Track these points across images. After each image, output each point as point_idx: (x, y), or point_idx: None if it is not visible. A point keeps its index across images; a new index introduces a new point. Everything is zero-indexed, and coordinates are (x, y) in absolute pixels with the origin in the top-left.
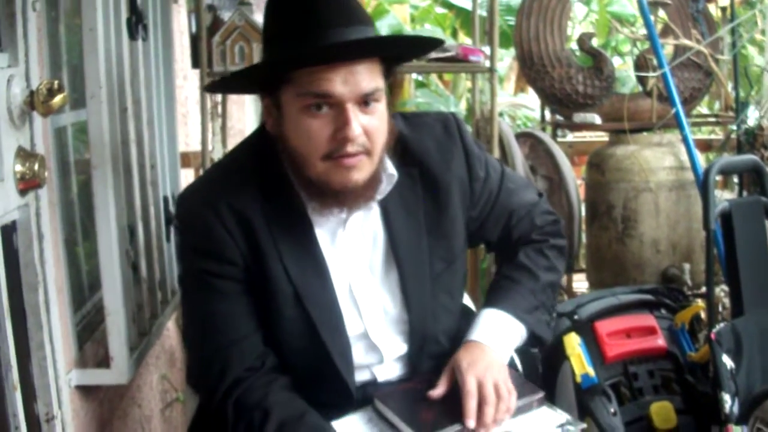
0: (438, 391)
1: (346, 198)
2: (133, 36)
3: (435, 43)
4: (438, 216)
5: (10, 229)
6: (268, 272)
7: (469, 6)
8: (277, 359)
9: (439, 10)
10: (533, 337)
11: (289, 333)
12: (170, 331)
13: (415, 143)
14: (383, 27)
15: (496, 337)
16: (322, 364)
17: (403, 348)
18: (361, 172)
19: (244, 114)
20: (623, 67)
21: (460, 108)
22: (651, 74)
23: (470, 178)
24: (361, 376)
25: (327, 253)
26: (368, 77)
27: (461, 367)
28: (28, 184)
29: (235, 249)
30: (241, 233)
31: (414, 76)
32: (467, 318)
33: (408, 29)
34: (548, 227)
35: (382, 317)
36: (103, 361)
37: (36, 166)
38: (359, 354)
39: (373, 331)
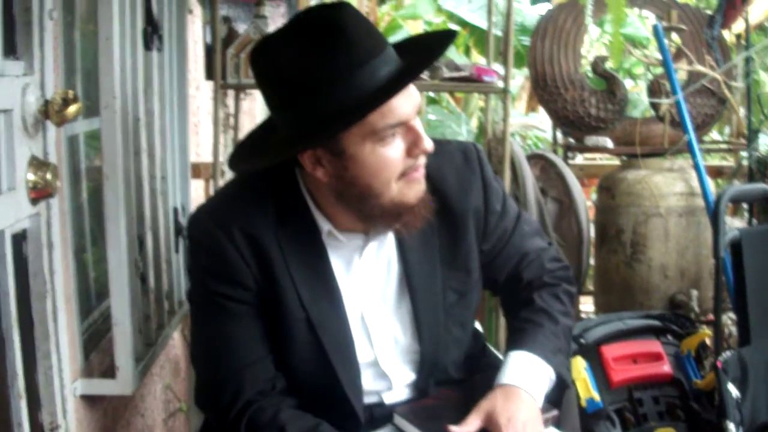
0: (466, 430)
1: (419, 209)
2: (148, 46)
3: (451, 36)
4: (453, 247)
5: (20, 238)
6: (280, 297)
7: (483, 24)
8: (287, 382)
9: (453, 27)
10: (558, 380)
11: (300, 358)
12: (175, 341)
13: (435, 172)
14: None
15: (529, 379)
16: (331, 389)
17: (411, 376)
18: (423, 180)
19: (255, 125)
20: (635, 90)
21: (471, 126)
22: (665, 101)
23: (486, 210)
24: (368, 399)
25: (341, 280)
26: (413, 88)
27: (499, 421)
28: (40, 194)
29: (248, 273)
30: (255, 257)
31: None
32: (476, 340)
33: None
34: (559, 272)
35: (393, 346)
36: (109, 371)
37: (48, 176)
38: (368, 380)
39: (384, 359)
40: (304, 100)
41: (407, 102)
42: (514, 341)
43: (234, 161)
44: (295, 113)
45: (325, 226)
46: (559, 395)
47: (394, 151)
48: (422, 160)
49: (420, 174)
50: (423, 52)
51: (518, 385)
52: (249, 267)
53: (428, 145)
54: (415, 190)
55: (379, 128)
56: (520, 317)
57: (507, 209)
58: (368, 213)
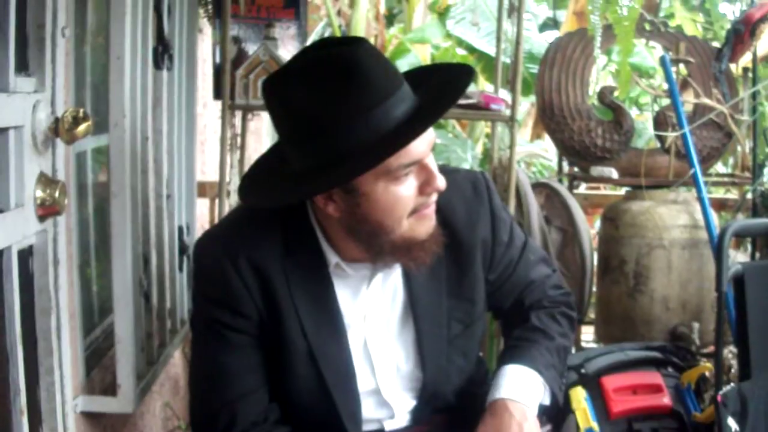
0: None
1: (429, 245)
2: (158, 65)
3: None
4: (460, 278)
5: (26, 254)
6: (282, 328)
7: (491, 51)
8: (281, 413)
9: (461, 52)
10: (551, 396)
11: (300, 389)
12: (175, 359)
13: (444, 203)
14: (404, 66)
15: (522, 391)
16: (330, 421)
17: (412, 403)
18: (434, 216)
19: (261, 145)
20: (640, 118)
21: (477, 151)
22: (671, 134)
23: (494, 241)
24: (369, 427)
25: (346, 308)
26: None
27: None
28: (47, 211)
29: (251, 303)
30: (259, 288)
31: None
32: (478, 367)
33: None
34: (560, 297)
35: (395, 374)
36: (110, 388)
37: (57, 193)
38: (369, 409)
39: (386, 387)
40: (319, 138)
41: (422, 142)
42: (506, 357)
43: (245, 193)
44: (309, 150)
45: (333, 259)
46: (552, 411)
47: (406, 189)
48: (434, 198)
49: (431, 210)
50: (440, 90)
51: (513, 398)
52: (252, 297)
53: (441, 183)
54: (426, 226)
55: (393, 168)
56: (514, 336)
57: (514, 239)
58: (378, 249)
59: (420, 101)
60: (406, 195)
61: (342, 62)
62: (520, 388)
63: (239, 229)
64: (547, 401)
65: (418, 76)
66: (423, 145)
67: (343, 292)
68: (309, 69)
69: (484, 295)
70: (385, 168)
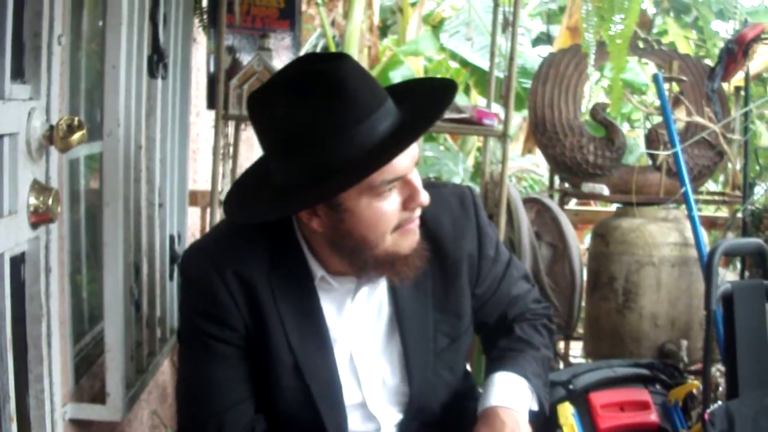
0: None
1: (413, 260)
2: (153, 74)
3: (453, 89)
4: (446, 291)
5: (18, 261)
6: (269, 341)
7: (484, 65)
8: (268, 424)
9: (453, 65)
10: (538, 404)
11: (285, 402)
12: (164, 368)
13: (431, 217)
14: (397, 77)
15: (513, 398)
16: None
17: (399, 417)
18: (417, 231)
19: (253, 154)
20: (631, 135)
21: (468, 164)
22: (662, 152)
23: (480, 255)
24: None
25: (331, 321)
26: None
27: None
28: (40, 218)
29: (237, 316)
30: (245, 300)
31: None
32: (465, 381)
33: None
34: (541, 310)
35: (381, 388)
36: (99, 396)
37: (50, 201)
38: (356, 422)
39: (372, 401)
40: (303, 153)
41: (405, 157)
42: (493, 367)
43: (230, 208)
44: (293, 165)
45: (318, 272)
46: (538, 420)
47: (390, 204)
48: (418, 213)
49: (414, 225)
50: (424, 106)
51: (504, 405)
52: (239, 310)
53: (424, 199)
54: (410, 241)
55: (377, 184)
56: (500, 346)
57: (499, 254)
58: (362, 263)
59: (403, 117)
60: (389, 210)
61: (326, 78)
62: (511, 395)
63: (226, 242)
64: (535, 408)
65: (403, 91)
66: (406, 161)
67: (328, 306)
68: (294, 84)
69: (470, 309)
70: (368, 183)
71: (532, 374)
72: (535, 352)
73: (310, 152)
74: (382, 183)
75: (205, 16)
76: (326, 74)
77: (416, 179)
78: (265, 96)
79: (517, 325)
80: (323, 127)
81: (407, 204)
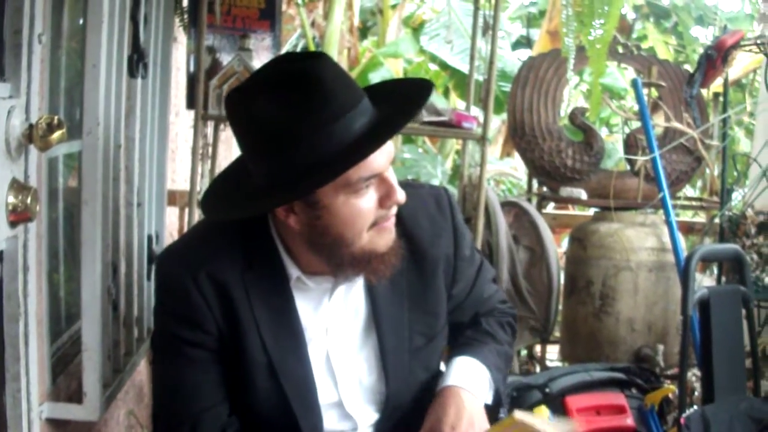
0: None
1: (389, 258)
2: (133, 74)
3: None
4: (423, 292)
5: None
6: (243, 342)
7: (463, 68)
8: (243, 426)
9: (433, 67)
10: (494, 397)
11: (260, 403)
12: (141, 368)
13: (408, 216)
14: (376, 79)
15: (471, 380)
16: None
17: (375, 416)
18: (394, 229)
19: (232, 154)
20: (609, 139)
21: (446, 167)
22: (641, 158)
23: (456, 256)
24: None
25: (307, 321)
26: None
27: (444, 430)
28: (19, 217)
29: (211, 319)
30: (219, 303)
31: None
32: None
33: None
34: (507, 309)
35: (357, 387)
36: (75, 396)
37: (28, 200)
38: (332, 421)
39: (348, 400)
40: (280, 151)
41: (382, 155)
42: (458, 351)
43: (208, 206)
44: (270, 163)
45: (294, 272)
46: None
47: (366, 202)
48: (394, 211)
49: (391, 223)
50: (400, 104)
51: (460, 385)
52: (213, 313)
53: (401, 196)
54: (386, 239)
55: (353, 181)
56: (465, 335)
57: (474, 255)
58: (338, 261)
59: (379, 115)
60: (366, 207)
61: (304, 76)
62: (469, 378)
63: (200, 244)
64: (489, 401)
65: (380, 90)
66: (382, 158)
67: (304, 306)
68: (271, 83)
69: (446, 309)
70: (345, 180)
71: (495, 367)
72: (499, 347)
73: (287, 150)
74: (359, 180)
75: (185, 16)
76: (303, 72)
77: (392, 177)
78: (242, 95)
79: (484, 319)
80: (300, 125)
81: (384, 201)
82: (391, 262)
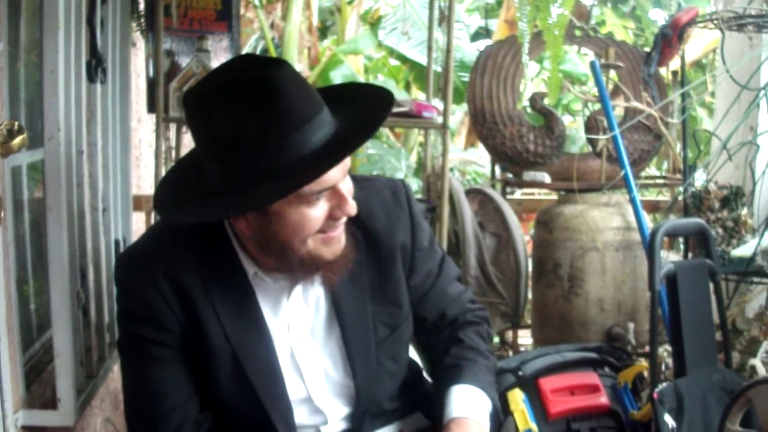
0: None
1: (338, 266)
2: (92, 79)
3: (389, 101)
4: (382, 282)
5: None
6: (205, 334)
7: (423, 60)
8: (216, 421)
9: (393, 62)
10: (494, 413)
11: (228, 393)
12: (115, 373)
13: (363, 207)
14: (337, 77)
15: (476, 410)
16: (263, 427)
17: (345, 410)
18: (343, 238)
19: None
20: (573, 125)
21: (411, 161)
22: (601, 137)
23: (413, 246)
24: None
25: (269, 318)
26: None
27: None
28: None
29: (171, 317)
30: (178, 301)
31: None
32: (411, 371)
33: (361, 80)
34: (478, 312)
35: (325, 382)
36: (50, 402)
37: None
38: (303, 416)
39: (317, 395)
40: (235, 160)
41: (336, 170)
42: (452, 376)
43: (163, 208)
44: (225, 170)
45: (251, 269)
46: (497, 428)
47: (317, 211)
48: (342, 221)
49: (338, 233)
50: (359, 118)
51: (469, 416)
52: (172, 310)
53: (351, 209)
54: (333, 248)
55: (306, 194)
56: (452, 354)
57: (434, 248)
58: (288, 264)
59: (338, 128)
60: (315, 216)
61: (262, 85)
62: (473, 408)
63: (155, 245)
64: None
65: (340, 94)
66: (337, 173)
67: (265, 302)
68: (230, 90)
69: (408, 299)
70: (297, 193)
71: (489, 385)
72: (486, 362)
73: (242, 159)
74: (311, 193)
75: (142, 20)
76: (261, 81)
77: (346, 189)
78: (200, 99)
79: (463, 332)
80: (256, 135)
81: (334, 212)
82: (339, 269)
